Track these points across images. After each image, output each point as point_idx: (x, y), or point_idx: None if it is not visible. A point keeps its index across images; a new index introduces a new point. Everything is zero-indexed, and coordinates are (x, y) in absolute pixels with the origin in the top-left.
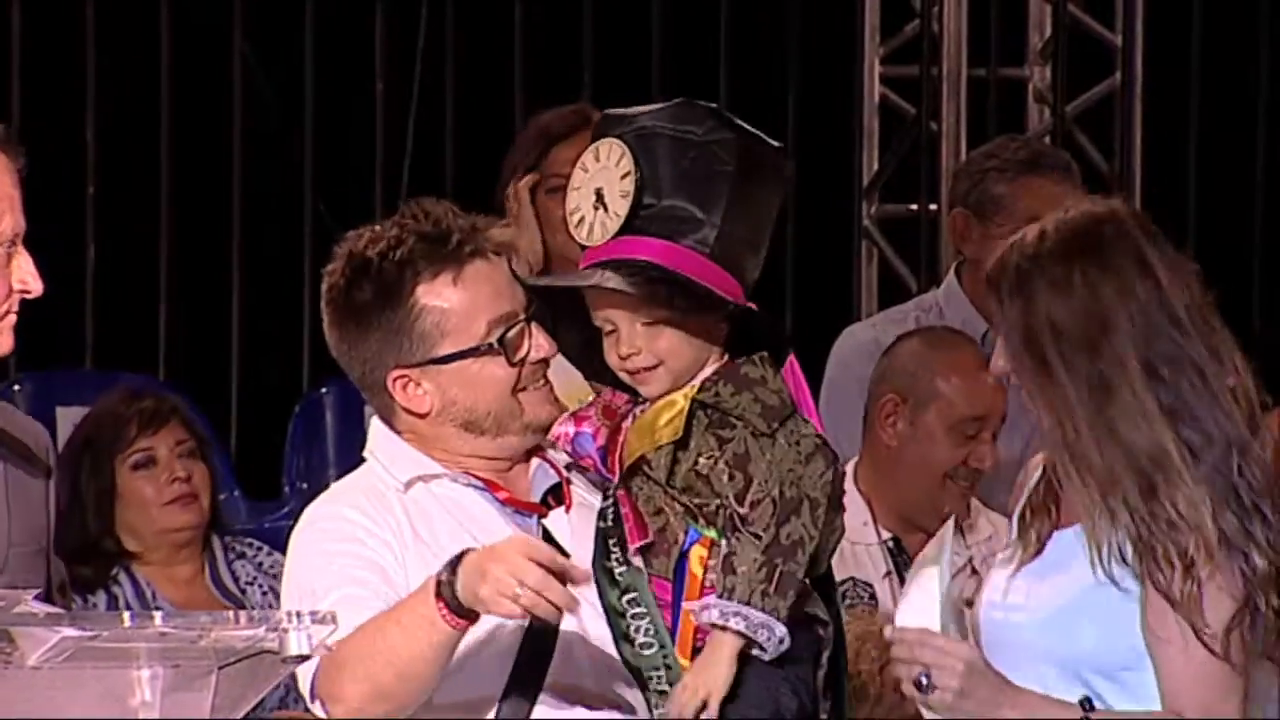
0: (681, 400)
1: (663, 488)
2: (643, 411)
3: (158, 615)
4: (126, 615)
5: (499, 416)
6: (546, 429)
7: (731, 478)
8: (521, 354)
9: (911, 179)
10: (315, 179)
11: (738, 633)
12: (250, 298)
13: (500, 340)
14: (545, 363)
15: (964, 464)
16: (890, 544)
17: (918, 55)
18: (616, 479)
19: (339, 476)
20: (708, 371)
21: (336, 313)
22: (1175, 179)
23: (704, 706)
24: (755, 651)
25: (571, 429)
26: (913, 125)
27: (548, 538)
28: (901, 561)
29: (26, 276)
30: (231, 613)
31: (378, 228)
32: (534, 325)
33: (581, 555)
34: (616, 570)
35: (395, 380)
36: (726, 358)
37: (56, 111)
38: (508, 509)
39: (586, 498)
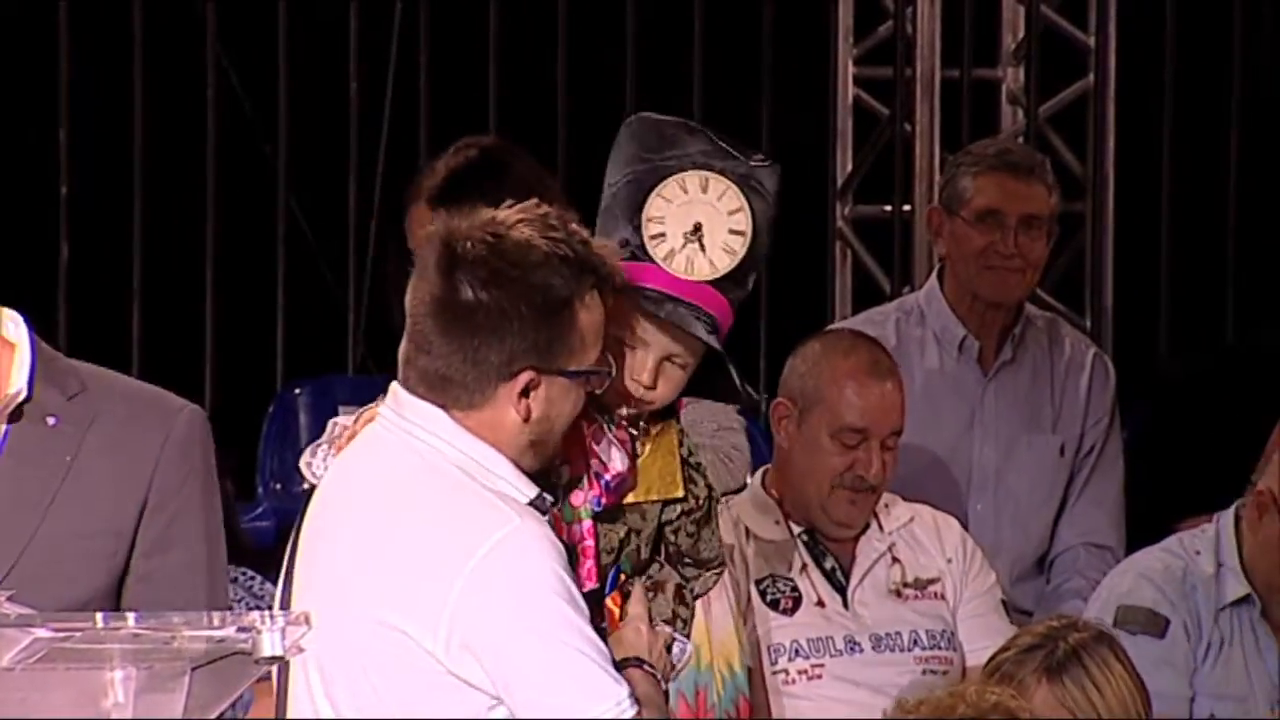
0: (671, 459)
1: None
2: (643, 457)
3: (130, 616)
4: (99, 616)
5: (559, 441)
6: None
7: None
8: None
9: (885, 180)
10: (289, 178)
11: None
12: (224, 298)
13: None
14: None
15: (850, 471)
16: (804, 537)
17: (891, 56)
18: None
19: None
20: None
21: (489, 280)
22: (1148, 180)
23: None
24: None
25: (625, 472)
26: (886, 126)
27: None
28: (818, 552)
29: None
30: (204, 614)
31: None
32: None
33: None
34: None
35: (527, 379)
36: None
37: (30, 110)
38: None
39: None
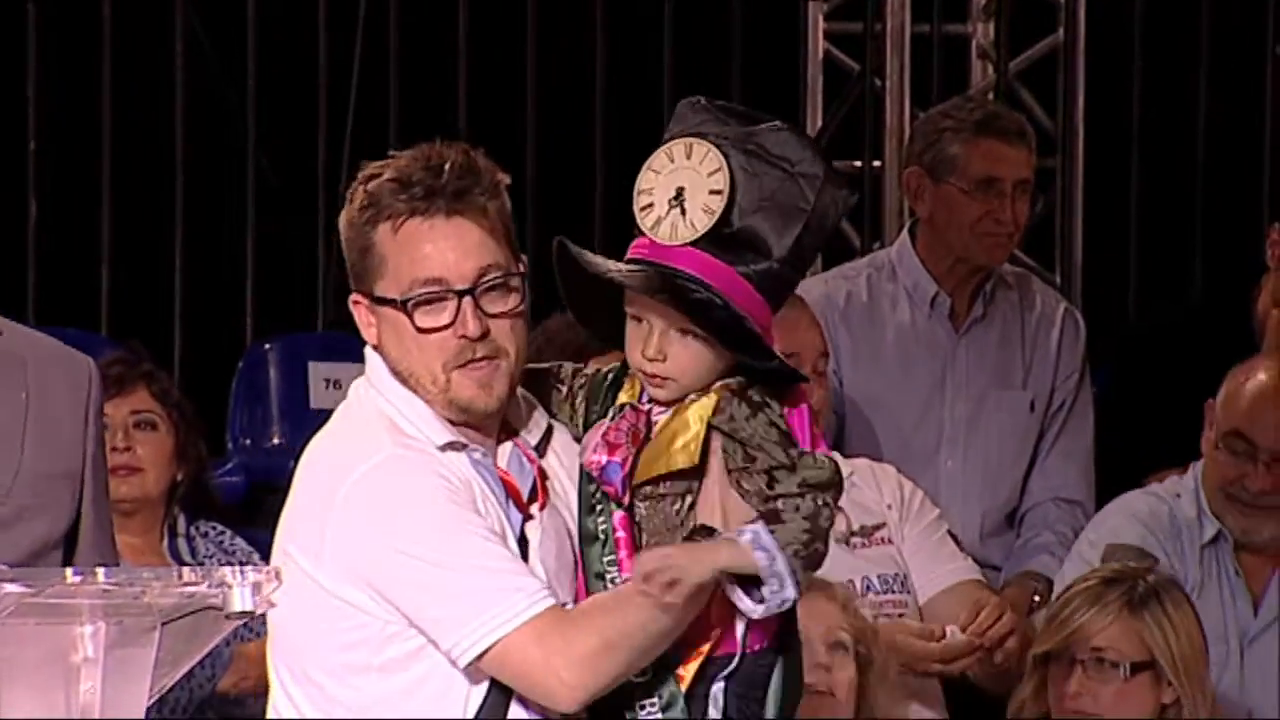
0: (695, 423)
1: (673, 524)
2: (658, 428)
3: (100, 571)
4: (69, 571)
5: (420, 378)
6: (470, 410)
7: (764, 482)
8: (434, 324)
9: (855, 136)
10: (258, 135)
11: (750, 558)
12: (193, 253)
13: (407, 301)
14: (482, 342)
15: None
16: None
17: (861, 12)
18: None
19: (283, 431)
20: (707, 396)
21: (340, 221)
22: (1118, 135)
23: (669, 584)
24: (745, 603)
25: (604, 458)
26: (856, 82)
27: (522, 540)
28: None
29: None
30: (175, 569)
31: (400, 155)
32: (469, 301)
33: (550, 559)
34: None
35: (353, 303)
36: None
37: None
38: (508, 499)
39: (558, 492)
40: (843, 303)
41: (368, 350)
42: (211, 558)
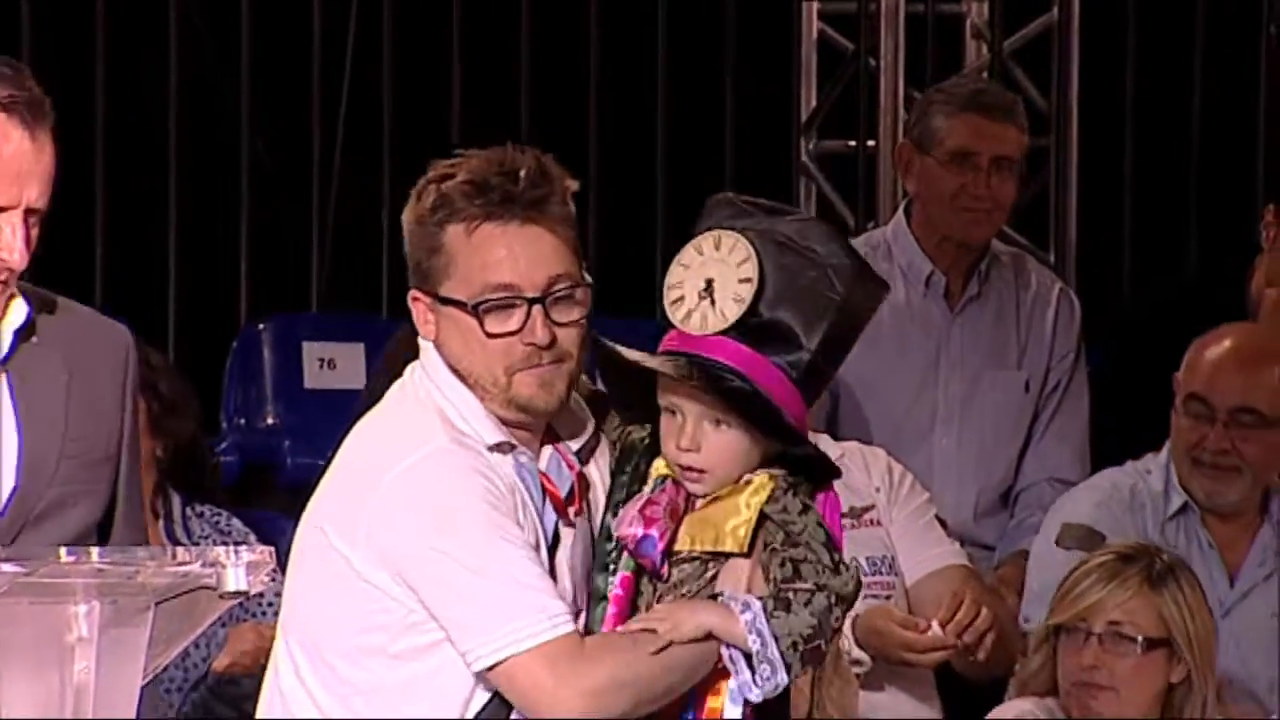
0: (748, 509)
1: (698, 588)
2: (705, 501)
3: (95, 551)
4: (63, 551)
5: (480, 379)
6: (529, 409)
7: (790, 572)
8: (503, 329)
9: (849, 115)
10: (252, 114)
11: (740, 633)
12: (187, 234)
13: (479, 305)
14: (548, 350)
15: None
16: None
17: None
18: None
19: (277, 412)
20: (758, 478)
21: (404, 217)
22: (1112, 115)
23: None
24: (745, 675)
25: (640, 531)
26: (851, 61)
27: (554, 543)
28: None
29: (4, 246)
30: (169, 549)
31: (472, 155)
32: (540, 309)
33: (579, 565)
34: None
35: (413, 299)
36: (764, 471)
37: None
38: (545, 502)
39: (595, 502)
40: None
41: (424, 343)
42: (207, 539)
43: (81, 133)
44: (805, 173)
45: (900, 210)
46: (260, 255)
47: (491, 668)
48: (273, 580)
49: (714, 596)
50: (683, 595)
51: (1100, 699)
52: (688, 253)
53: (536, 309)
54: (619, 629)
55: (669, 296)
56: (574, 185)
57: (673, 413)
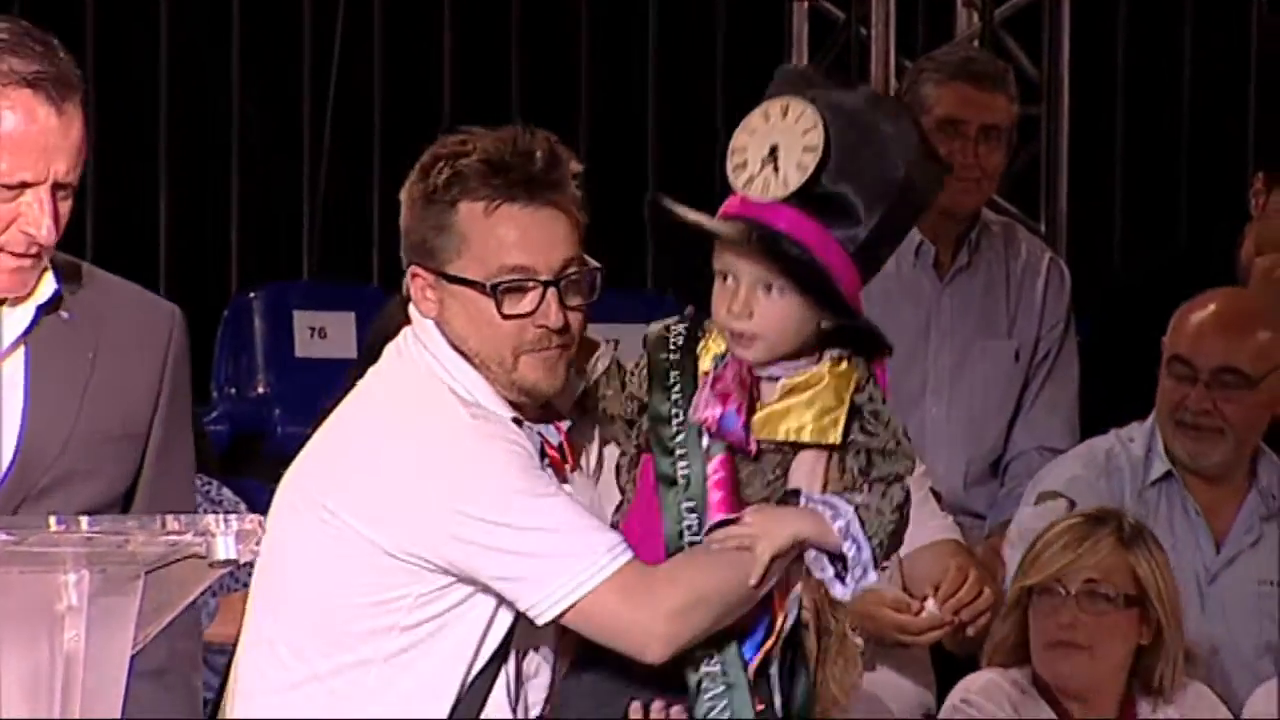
0: (838, 399)
1: (769, 479)
2: (785, 388)
3: (84, 520)
4: (53, 519)
5: (486, 360)
6: (533, 393)
7: (865, 462)
8: (518, 310)
9: None
10: (242, 82)
11: (835, 539)
12: (178, 202)
13: (497, 286)
14: (561, 333)
15: None
16: None
17: None
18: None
19: (268, 380)
20: (822, 366)
21: (405, 192)
22: (1103, 84)
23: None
24: (837, 588)
25: (718, 411)
26: (841, 30)
27: None
28: None
29: (32, 222)
30: (158, 517)
31: (481, 134)
32: (554, 291)
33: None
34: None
35: (413, 275)
36: (839, 353)
37: None
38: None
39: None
40: None
41: (421, 320)
42: (198, 507)
43: None
44: None
45: None
46: (251, 224)
47: (563, 614)
48: None
49: (791, 494)
50: (769, 483)
51: (1074, 659)
52: (753, 119)
53: (551, 292)
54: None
55: (732, 161)
56: (580, 168)
57: (725, 277)
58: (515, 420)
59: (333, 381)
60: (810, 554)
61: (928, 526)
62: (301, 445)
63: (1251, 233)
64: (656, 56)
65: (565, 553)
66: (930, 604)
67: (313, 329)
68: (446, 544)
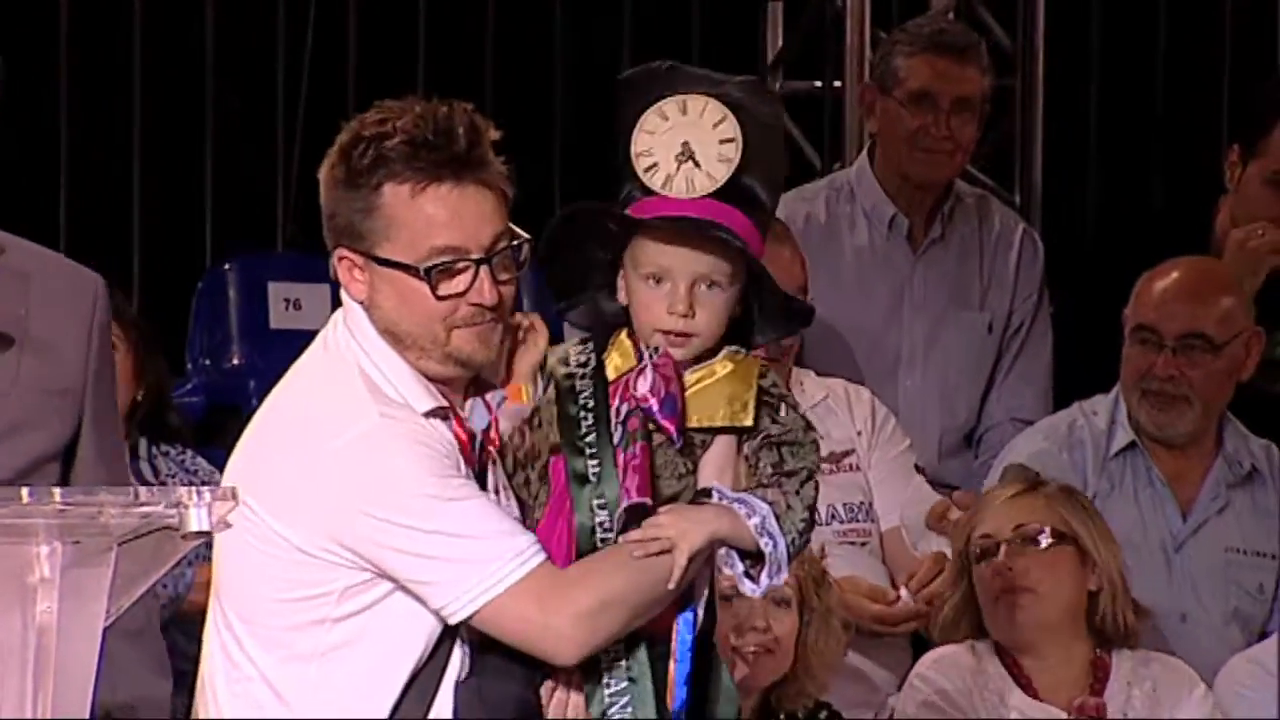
0: (748, 383)
1: (679, 473)
2: (698, 379)
3: (56, 491)
4: (25, 491)
5: (419, 338)
6: (468, 364)
7: (776, 458)
8: (452, 291)
9: (815, 56)
10: (216, 51)
11: (751, 538)
12: (152, 173)
13: (430, 269)
14: (494, 309)
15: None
16: None
17: None
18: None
19: (243, 352)
20: (722, 358)
21: (325, 173)
22: (1078, 55)
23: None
24: (746, 584)
25: (663, 391)
26: (817, 1)
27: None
28: None
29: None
30: (131, 489)
31: (399, 111)
32: (486, 269)
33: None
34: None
35: (340, 258)
36: (734, 348)
37: None
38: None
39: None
40: (801, 224)
41: (350, 304)
42: (174, 477)
43: (45, 75)
44: None
45: (864, 152)
46: (225, 195)
47: (473, 615)
48: None
49: (703, 493)
50: (680, 476)
51: (1021, 604)
52: (649, 119)
53: (484, 270)
54: (612, 548)
55: (640, 164)
56: (498, 135)
57: (658, 279)
58: (440, 412)
59: None
60: (720, 552)
61: (909, 503)
62: None
63: (1226, 205)
64: (632, 28)
65: (475, 557)
66: (905, 595)
67: (288, 300)
68: (358, 544)
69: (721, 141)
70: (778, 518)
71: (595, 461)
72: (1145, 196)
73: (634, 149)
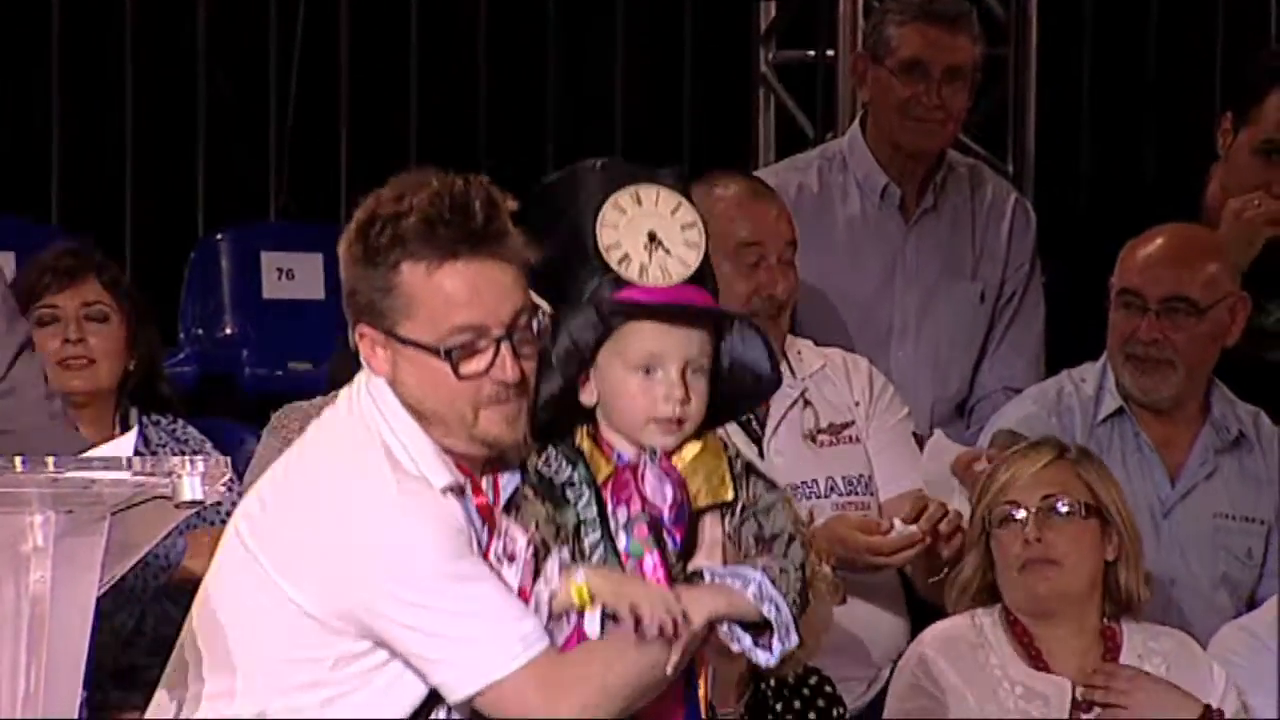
0: (717, 458)
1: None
2: (674, 459)
3: (50, 461)
4: (18, 460)
5: (445, 417)
6: (494, 445)
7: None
8: (473, 370)
9: (808, 25)
10: (209, 21)
11: (751, 607)
12: (145, 143)
13: (450, 350)
14: (519, 386)
15: (757, 294)
16: None
17: None
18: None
19: (235, 322)
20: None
21: (344, 250)
22: (1070, 24)
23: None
24: (759, 655)
25: (677, 495)
26: None
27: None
28: None
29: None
30: (125, 459)
31: (415, 187)
32: (507, 345)
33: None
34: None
35: (361, 335)
36: None
37: None
38: (484, 526)
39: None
40: (793, 194)
41: (374, 379)
42: (164, 447)
43: (36, 42)
44: (764, 83)
45: (856, 122)
46: (218, 165)
47: (473, 696)
48: (229, 489)
49: (694, 575)
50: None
51: (1047, 577)
52: (608, 214)
53: (505, 346)
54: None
55: (613, 256)
56: (515, 206)
57: (649, 371)
58: (457, 488)
59: (300, 322)
60: (722, 629)
61: (907, 474)
62: (269, 386)
63: (1218, 173)
64: (622, 16)
65: (480, 639)
66: (898, 524)
67: (280, 270)
68: (364, 615)
69: (683, 227)
70: (773, 582)
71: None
72: (1138, 165)
73: (601, 243)
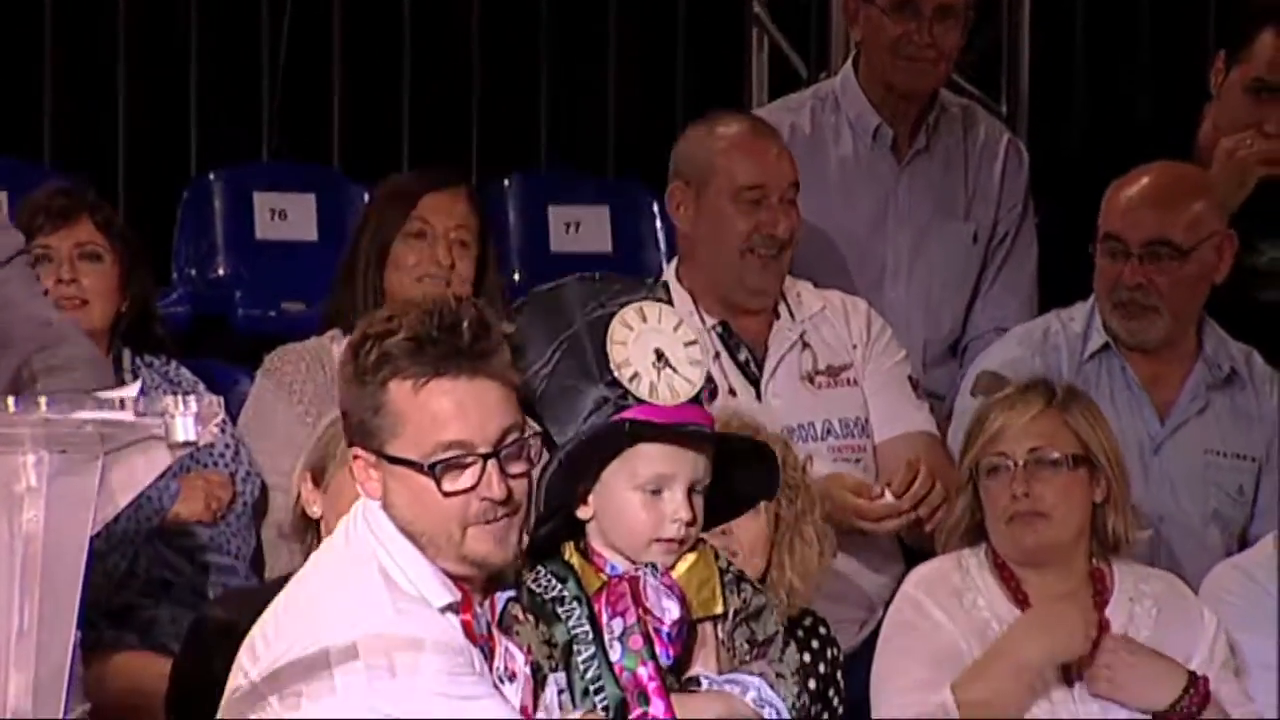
0: (708, 572)
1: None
2: (665, 576)
3: (43, 400)
4: (11, 400)
5: (434, 537)
6: (483, 565)
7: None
8: (459, 486)
9: None
10: None
11: (752, 713)
12: (137, 83)
13: (434, 465)
14: (506, 503)
15: (757, 232)
16: (718, 329)
17: None
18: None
19: (228, 263)
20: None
21: (338, 372)
22: None
23: None
24: None
25: (679, 611)
26: None
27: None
28: (732, 344)
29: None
30: (118, 398)
31: (407, 308)
32: (494, 463)
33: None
34: None
35: (355, 457)
36: None
37: None
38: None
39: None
40: (786, 135)
41: (369, 504)
42: (157, 388)
43: None
44: (758, 23)
45: (848, 62)
46: (210, 106)
47: None
48: (222, 431)
49: (690, 682)
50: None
51: (1036, 528)
52: (617, 331)
53: (491, 464)
54: None
55: (624, 374)
56: (510, 329)
57: (656, 492)
58: (455, 607)
59: (293, 263)
60: None
61: (903, 416)
62: (261, 327)
63: (1210, 112)
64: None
65: None
66: (889, 493)
67: (273, 211)
68: None
69: (686, 344)
70: (771, 686)
71: (602, 695)
72: (1131, 105)
73: (614, 359)
